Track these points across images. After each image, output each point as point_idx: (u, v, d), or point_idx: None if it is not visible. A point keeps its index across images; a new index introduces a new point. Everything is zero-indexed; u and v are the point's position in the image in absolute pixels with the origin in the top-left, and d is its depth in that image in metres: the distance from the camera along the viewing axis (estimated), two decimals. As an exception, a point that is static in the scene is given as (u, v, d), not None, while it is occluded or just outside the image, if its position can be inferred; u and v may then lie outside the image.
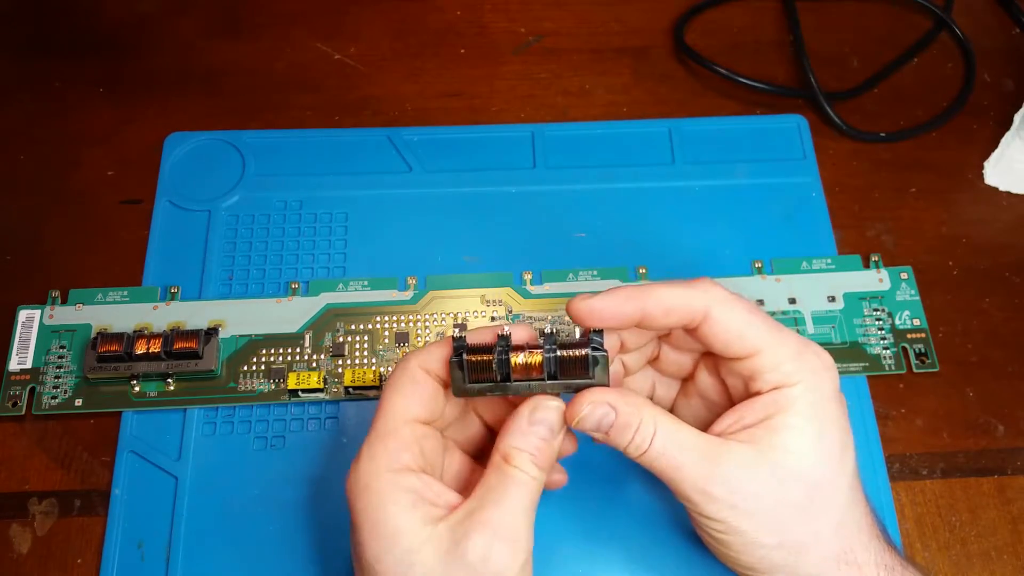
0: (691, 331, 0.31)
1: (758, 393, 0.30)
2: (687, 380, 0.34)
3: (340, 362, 0.40)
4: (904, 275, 0.43)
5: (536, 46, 0.51)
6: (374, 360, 0.40)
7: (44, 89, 0.48)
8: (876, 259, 0.43)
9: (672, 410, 0.34)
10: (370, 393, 0.39)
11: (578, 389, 0.30)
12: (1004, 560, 0.37)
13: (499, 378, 0.29)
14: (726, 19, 0.52)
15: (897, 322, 0.41)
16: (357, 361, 0.40)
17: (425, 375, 0.30)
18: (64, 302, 0.41)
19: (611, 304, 0.30)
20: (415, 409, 0.30)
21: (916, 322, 0.41)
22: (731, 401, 0.32)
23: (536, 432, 0.30)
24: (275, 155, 0.46)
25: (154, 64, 0.49)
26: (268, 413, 0.39)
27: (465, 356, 0.29)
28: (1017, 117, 0.46)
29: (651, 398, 0.34)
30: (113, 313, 0.41)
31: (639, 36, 0.51)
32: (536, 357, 0.29)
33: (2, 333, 0.41)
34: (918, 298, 0.42)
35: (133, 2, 0.51)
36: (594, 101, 0.49)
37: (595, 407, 0.30)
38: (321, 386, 0.39)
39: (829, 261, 0.43)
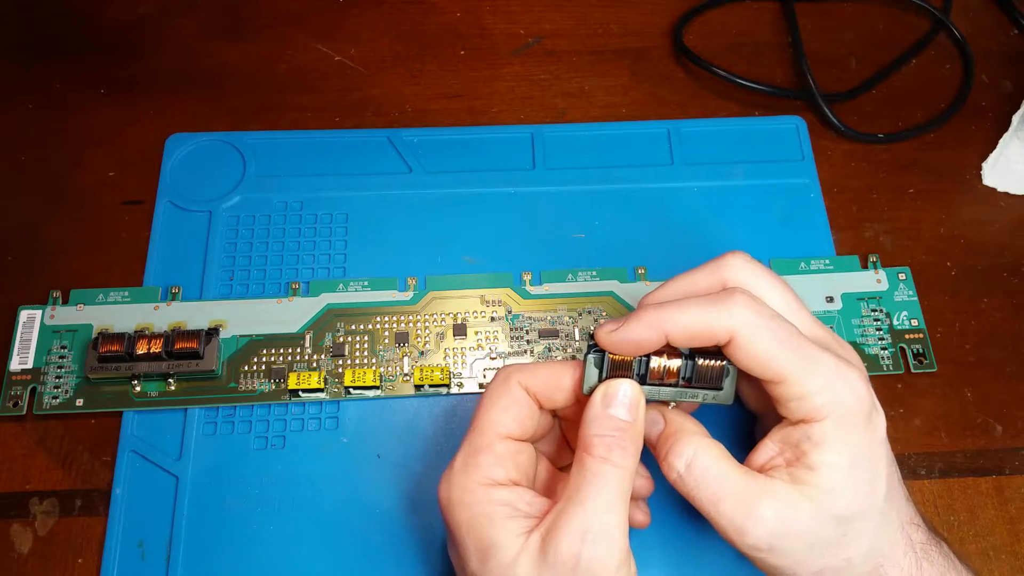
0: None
1: (787, 419, 0.30)
2: None
3: (340, 362, 0.40)
4: (902, 276, 0.43)
5: (536, 48, 0.51)
6: (374, 360, 0.40)
7: (45, 90, 0.48)
8: (874, 260, 0.43)
9: None
10: (370, 393, 0.39)
11: (703, 400, 0.31)
12: (1002, 560, 0.37)
13: (633, 378, 0.30)
14: (725, 21, 0.52)
15: (895, 322, 0.41)
16: (357, 361, 0.40)
17: (524, 393, 0.30)
18: (65, 302, 0.41)
19: (634, 335, 0.29)
20: (510, 426, 0.30)
21: (914, 322, 0.42)
22: (767, 395, 0.31)
23: (615, 413, 0.29)
24: (276, 156, 0.46)
25: (155, 65, 0.49)
26: (268, 413, 0.39)
27: (609, 354, 0.29)
28: (1015, 118, 0.47)
29: None
30: (114, 313, 0.41)
31: (638, 38, 0.51)
32: (675, 362, 0.30)
33: (3, 333, 0.41)
34: (916, 299, 0.42)
35: (134, 3, 0.51)
36: (593, 102, 0.49)
37: (647, 409, 0.30)
38: (321, 386, 0.39)
39: (827, 262, 0.43)
